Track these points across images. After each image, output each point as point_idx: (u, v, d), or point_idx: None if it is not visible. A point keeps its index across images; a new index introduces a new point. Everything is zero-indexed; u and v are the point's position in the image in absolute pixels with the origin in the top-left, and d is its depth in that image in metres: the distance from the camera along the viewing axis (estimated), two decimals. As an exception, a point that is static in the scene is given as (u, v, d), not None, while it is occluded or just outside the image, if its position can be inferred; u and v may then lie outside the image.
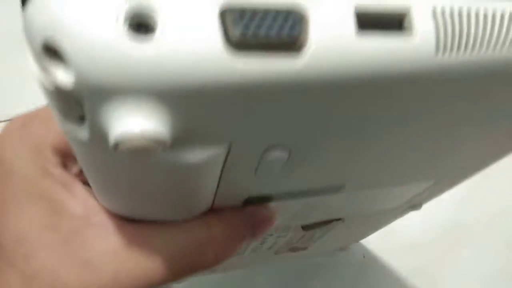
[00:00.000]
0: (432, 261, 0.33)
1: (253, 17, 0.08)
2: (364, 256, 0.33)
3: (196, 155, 0.10)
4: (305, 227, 0.22)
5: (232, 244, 0.15)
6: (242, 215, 0.15)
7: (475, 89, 0.11)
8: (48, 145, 0.14)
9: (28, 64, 0.09)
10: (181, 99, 0.08)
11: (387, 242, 0.32)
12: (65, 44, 0.08)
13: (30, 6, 0.08)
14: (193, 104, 0.09)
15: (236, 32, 0.08)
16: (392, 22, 0.09)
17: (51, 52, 0.08)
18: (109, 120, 0.08)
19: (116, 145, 0.08)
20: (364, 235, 0.30)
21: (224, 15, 0.08)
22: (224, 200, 0.14)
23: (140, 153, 0.09)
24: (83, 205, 0.14)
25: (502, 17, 0.09)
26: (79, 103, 0.09)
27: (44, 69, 0.08)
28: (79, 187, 0.14)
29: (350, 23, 0.09)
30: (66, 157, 0.14)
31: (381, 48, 0.09)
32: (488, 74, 0.10)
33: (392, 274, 0.33)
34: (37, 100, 0.12)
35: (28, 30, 0.08)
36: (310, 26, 0.08)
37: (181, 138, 0.09)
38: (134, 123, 0.08)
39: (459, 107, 0.11)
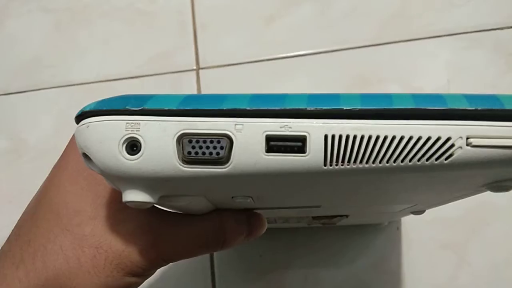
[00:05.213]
0: (462, 235, 0.35)
1: (196, 142, 0.13)
2: (398, 228, 0.36)
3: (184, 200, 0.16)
4: (315, 217, 0.27)
5: (237, 233, 0.21)
6: (243, 214, 0.21)
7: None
8: None
9: None
10: (154, 184, 0.14)
11: (420, 216, 0.32)
12: (92, 157, 0.14)
13: (76, 129, 0.14)
14: (163, 186, 0.14)
15: (185, 152, 0.13)
16: (296, 144, 0.13)
17: (87, 157, 0.14)
18: (122, 192, 0.14)
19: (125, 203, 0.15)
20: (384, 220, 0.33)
21: (179, 140, 0.13)
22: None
23: (138, 206, 0.15)
24: None
25: (383, 140, 0.13)
26: None
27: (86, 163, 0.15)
28: None
29: (261, 146, 0.13)
30: None
31: (283, 162, 0.13)
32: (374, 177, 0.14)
33: (423, 246, 0.35)
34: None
35: (76, 140, 0.14)
36: (233, 148, 0.13)
37: (167, 197, 0.15)
38: (131, 196, 0.14)
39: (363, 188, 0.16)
